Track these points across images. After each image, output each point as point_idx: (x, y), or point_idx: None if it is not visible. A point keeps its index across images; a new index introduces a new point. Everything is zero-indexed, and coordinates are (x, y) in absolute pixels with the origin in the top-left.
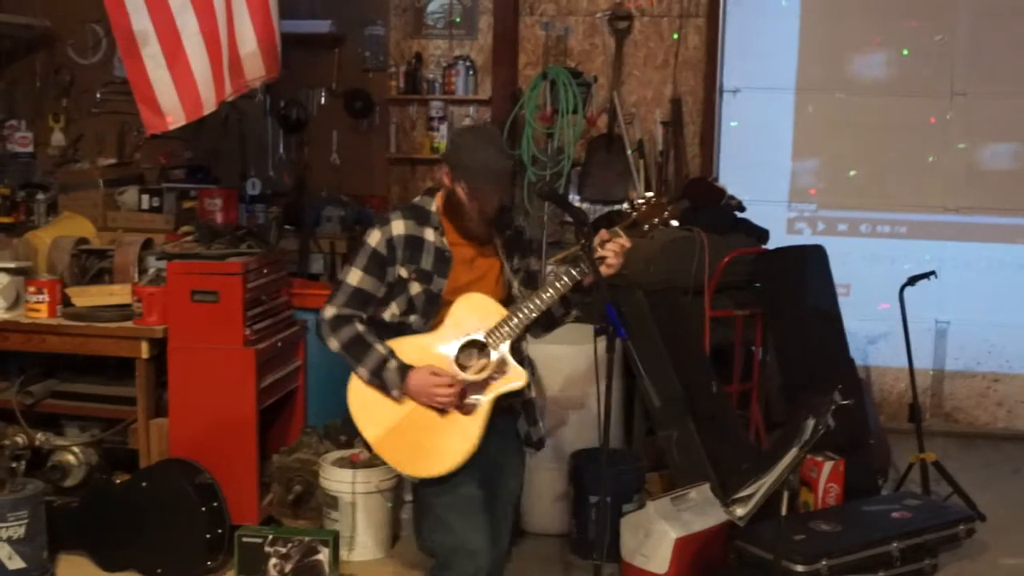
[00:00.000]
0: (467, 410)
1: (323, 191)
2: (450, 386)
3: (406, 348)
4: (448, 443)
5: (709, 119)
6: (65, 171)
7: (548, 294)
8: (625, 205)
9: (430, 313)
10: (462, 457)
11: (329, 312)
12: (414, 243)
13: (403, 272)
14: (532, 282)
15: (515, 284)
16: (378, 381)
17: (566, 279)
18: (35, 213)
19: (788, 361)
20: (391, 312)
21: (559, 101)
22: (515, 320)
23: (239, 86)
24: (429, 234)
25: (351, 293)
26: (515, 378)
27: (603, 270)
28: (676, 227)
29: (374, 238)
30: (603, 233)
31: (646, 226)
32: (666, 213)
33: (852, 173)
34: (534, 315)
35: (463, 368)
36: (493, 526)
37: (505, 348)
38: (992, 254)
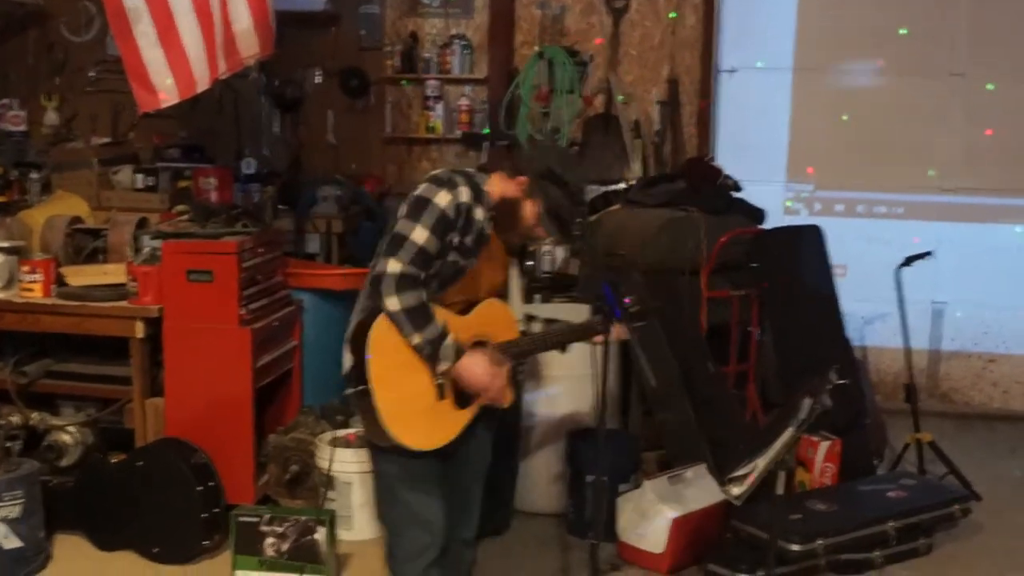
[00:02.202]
0: (461, 404)
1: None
2: (503, 379)
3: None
4: (430, 425)
5: (706, 99)
6: (59, 150)
7: (557, 340)
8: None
9: (447, 285)
10: (435, 444)
11: (396, 267)
12: (469, 216)
13: (454, 240)
14: (525, 257)
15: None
16: (430, 350)
17: (576, 337)
18: (28, 192)
19: (785, 342)
20: None
21: (555, 81)
22: (518, 348)
23: (233, 64)
24: (479, 213)
25: (417, 252)
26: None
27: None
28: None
29: (443, 199)
30: (618, 330)
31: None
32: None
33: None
34: (536, 351)
35: None
36: (453, 503)
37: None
38: (989, 235)
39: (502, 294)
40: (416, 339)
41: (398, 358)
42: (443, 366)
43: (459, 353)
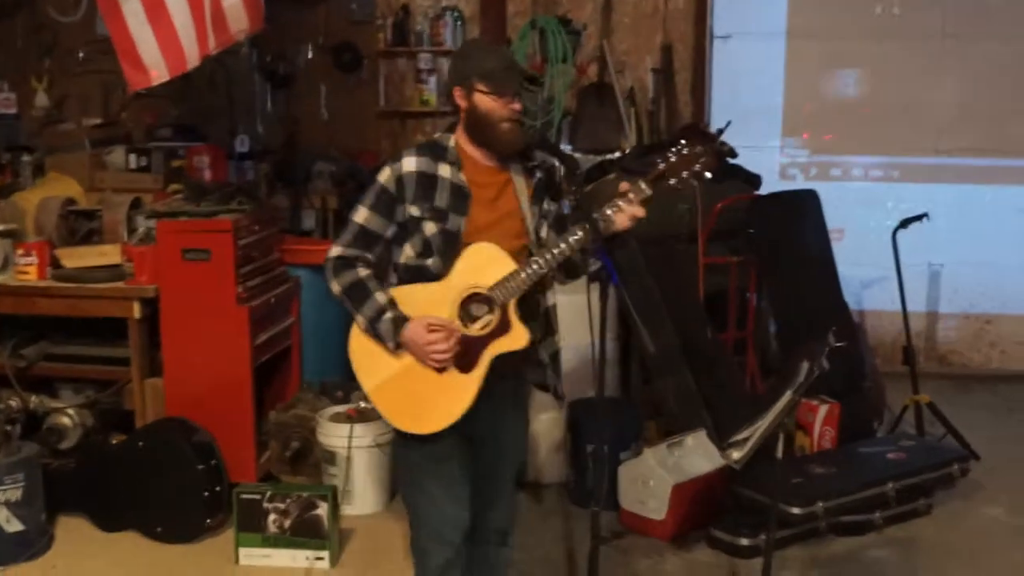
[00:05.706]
0: (465, 367)
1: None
2: (445, 344)
3: (410, 297)
4: (443, 400)
5: (700, 66)
6: (50, 132)
7: (558, 250)
8: (660, 163)
9: (449, 254)
10: (454, 416)
11: (334, 251)
12: (426, 180)
13: (414, 211)
14: (562, 225)
15: (543, 228)
16: (373, 331)
17: (579, 234)
18: (21, 175)
19: (783, 307)
20: (407, 254)
21: (548, 50)
22: (523, 275)
23: (223, 40)
24: (444, 170)
25: (356, 232)
26: (517, 338)
27: (618, 220)
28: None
29: (384, 175)
30: (623, 185)
31: (673, 179)
32: (698, 165)
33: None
34: (543, 271)
35: (468, 320)
36: (485, 493)
37: (511, 305)
38: (984, 196)
39: (528, 247)
40: (361, 321)
41: (381, 357)
42: (390, 344)
43: (398, 326)
